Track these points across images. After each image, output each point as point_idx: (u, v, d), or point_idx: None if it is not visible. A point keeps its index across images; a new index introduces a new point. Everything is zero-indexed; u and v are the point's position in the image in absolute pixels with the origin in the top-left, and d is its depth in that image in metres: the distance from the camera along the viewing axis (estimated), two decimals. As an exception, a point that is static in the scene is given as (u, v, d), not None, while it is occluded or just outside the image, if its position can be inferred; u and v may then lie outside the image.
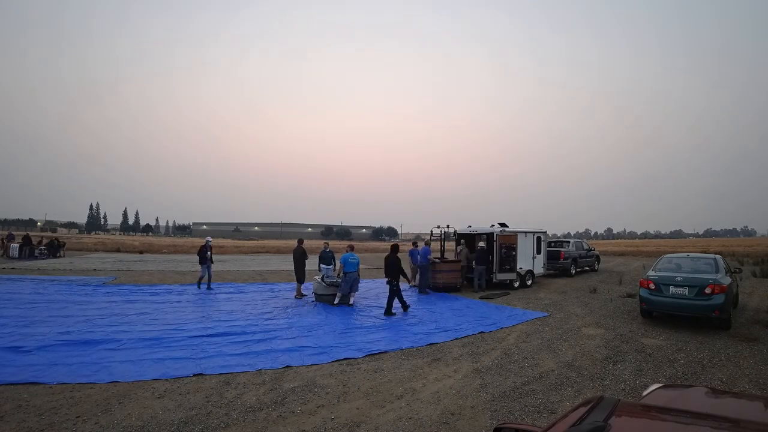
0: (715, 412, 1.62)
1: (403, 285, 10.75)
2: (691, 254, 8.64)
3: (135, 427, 3.51)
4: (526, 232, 13.47)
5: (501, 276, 12.52)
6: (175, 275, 15.69)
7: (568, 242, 17.50)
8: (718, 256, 8.23)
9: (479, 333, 7.01)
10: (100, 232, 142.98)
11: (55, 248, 24.87)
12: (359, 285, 10.31)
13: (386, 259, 9.22)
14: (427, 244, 12.57)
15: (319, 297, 10.06)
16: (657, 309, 7.54)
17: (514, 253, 12.84)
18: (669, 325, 7.38)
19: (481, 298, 10.90)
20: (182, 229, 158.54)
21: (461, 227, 14.32)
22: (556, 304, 9.93)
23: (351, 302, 9.67)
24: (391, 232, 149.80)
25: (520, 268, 12.93)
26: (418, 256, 11.95)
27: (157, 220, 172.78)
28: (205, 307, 9.14)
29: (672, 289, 7.22)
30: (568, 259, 16.30)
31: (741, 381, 4.67)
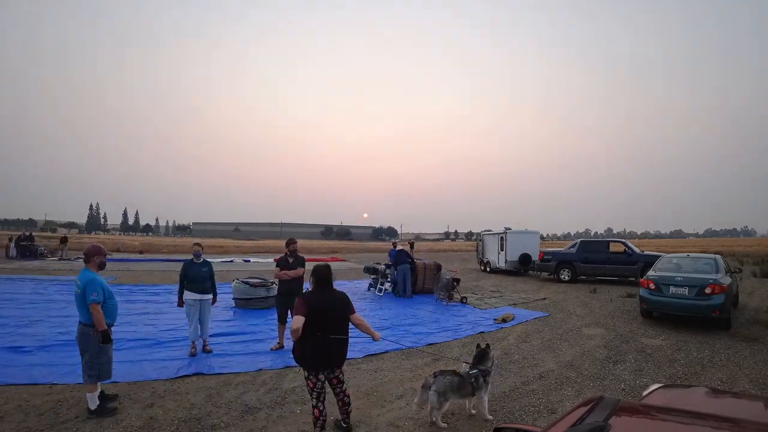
0: (715, 412, 1.62)
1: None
2: (691, 254, 8.63)
3: (135, 427, 3.51)
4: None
5: None
6: (175, 275, 15.67)
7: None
8: (718, 256, 8.22)
9: (479, 333, 7.01)
10: (100, 232, 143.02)
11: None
12: None
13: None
14: (410, 244, 12.54)
15: (239, 302, 8.94)
16: (657, 309, 7.54)
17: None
18: (669, 325, 7.38)
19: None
20: (182, 229, 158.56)
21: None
22: (556, 304, 9.92)
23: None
24: (391, 232, 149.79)
25: None
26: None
27: (157, 220, 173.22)
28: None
29: (672, 289, 7.22)
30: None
31: (741, 381, 4.67)
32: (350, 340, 6.15)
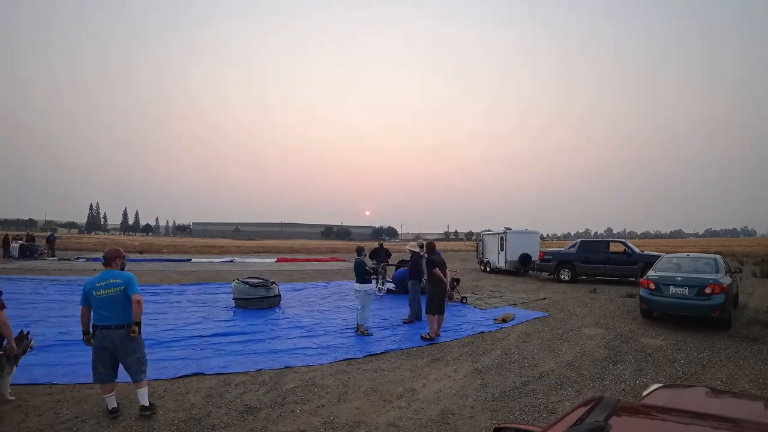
0: (715, 412, 1.62)
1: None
2: (691, 254, 8.63)
3: (135, 427, 3.51)
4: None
5: None
6: (175, 275, 15.69)
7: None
8: (718, 256, 8.22)
9: (479, 333, 7.01)
10: (100, 232, 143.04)
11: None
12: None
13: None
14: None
15: (239, 302, 8.95)
16: (657, 309, 7.53)
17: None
18: (669, 325, 7.38)
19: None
20: (182, 229, 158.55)
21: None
22: (556, 304, 9.92)
23: None
24: (391, 232, 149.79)
25: None
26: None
27: (157, 220, 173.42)
28: (205, 307, 9.13)
29: (672, 289, 7.22)
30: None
31: (741, 381, 4.67)
32: (348, 341, 6.05)
